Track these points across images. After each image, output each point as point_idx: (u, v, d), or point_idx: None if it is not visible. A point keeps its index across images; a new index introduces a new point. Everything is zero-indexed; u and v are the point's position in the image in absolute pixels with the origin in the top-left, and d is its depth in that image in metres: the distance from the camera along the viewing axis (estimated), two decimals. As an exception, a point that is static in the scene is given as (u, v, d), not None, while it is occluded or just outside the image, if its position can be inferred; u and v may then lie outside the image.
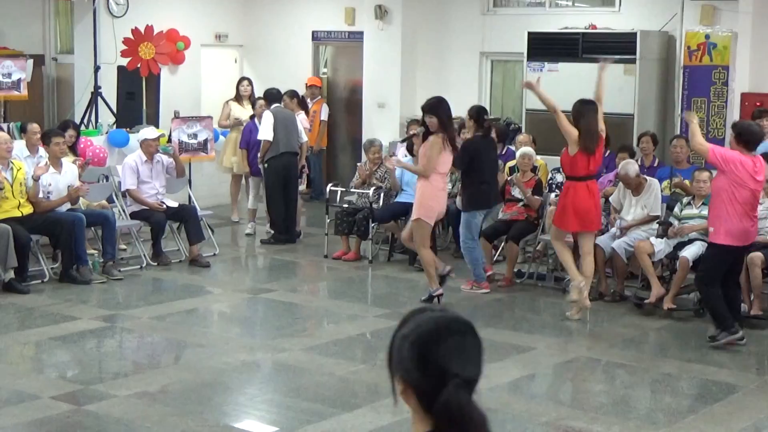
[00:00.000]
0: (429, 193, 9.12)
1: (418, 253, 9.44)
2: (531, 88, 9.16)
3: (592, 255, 9.08)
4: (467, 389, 2.13)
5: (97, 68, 13.47)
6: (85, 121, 13.08)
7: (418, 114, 13.49)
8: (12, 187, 9.78)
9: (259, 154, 12.05)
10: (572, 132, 8.71)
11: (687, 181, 10.07)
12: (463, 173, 9.78)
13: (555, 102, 8.86)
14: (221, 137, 13.69)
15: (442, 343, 2.15)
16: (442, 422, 2.10)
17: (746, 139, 7.93)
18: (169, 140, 12.24)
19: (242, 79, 14.15)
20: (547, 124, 10.28)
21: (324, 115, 15.13)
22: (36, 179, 9.83)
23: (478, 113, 9.84)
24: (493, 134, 10.25)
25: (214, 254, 11.43)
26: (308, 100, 14.84)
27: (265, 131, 11.82)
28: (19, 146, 10.67)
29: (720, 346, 8.09)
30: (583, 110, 8.79)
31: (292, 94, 13.08)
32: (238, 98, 13.77)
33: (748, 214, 7.93)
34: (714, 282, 8.11)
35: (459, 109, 11.02)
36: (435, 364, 2.13)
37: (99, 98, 13.26)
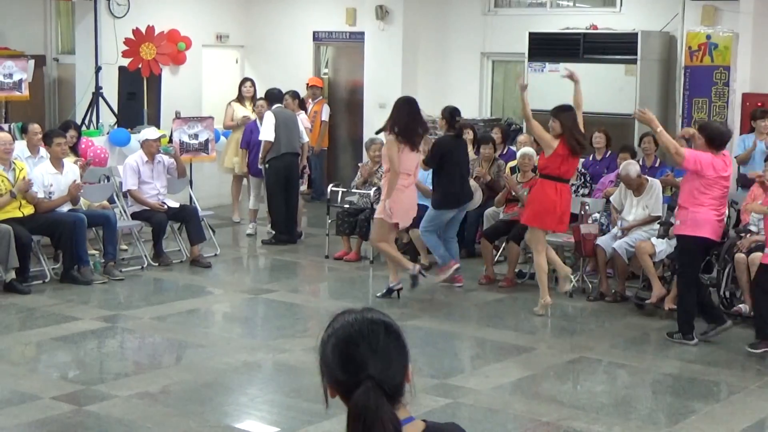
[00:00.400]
0: (396, 194, 9.28)
1: (376, 248, 9.54)
2: (522, 90, 9.30)
3: (545, 253, 9.24)
4: (381, 391, 2.14)
5: (98, 69, 13.48)
6: (86, 121, 13.09)
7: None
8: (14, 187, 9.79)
9: (260, 155, 12.05)
10: (546, 136, 8.92)
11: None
12: (434, 172, 9.91)
13: (530, 110, 9.14)
14: (222, 138, 13.70)
15: (361, 344, 2.18)
16: (352, 423, 2.13)
17: (718, 143, 8.14)
18: (170, 141, 12.25)
19: (245, 79, 14.14)
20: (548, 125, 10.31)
21: (325, 116, 15.13)
22: (26, 190, 9.80)
23: (450, 114, 9.97)
24: (468, 135, 10.66)
25: (216, 255, 11.43)
26: (309, 101, 14.84)
27: (267, 132, 11.82)
28: (21, 147, 10.68)
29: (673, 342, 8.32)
30: (567, 115, 8.94)
31: (294, 94, 13.08)
32: (240, 99, 13.77)
33: (718, 210, 8.20)
34: (694, 279, 8.34)
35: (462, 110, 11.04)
36: (354, 365, 2.17)
37: (100, 98, 13.26)
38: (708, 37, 12.28)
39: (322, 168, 15.47)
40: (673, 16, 12.78)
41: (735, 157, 11.00)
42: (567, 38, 13.04)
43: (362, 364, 2.16)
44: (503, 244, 10.67)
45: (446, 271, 9.84)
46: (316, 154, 14.85)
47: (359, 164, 12.27)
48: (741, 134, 11.49)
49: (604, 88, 12.65)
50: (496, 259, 10.76)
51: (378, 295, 9.58)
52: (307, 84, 15.20)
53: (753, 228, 9.09)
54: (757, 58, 12.07)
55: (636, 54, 12.48)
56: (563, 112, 8.97)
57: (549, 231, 9.27)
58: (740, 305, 8.92)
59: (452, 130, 9.92)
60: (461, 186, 9.95)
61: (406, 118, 9.30)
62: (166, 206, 10.97)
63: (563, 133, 8.88)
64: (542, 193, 9.01)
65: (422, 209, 10.97)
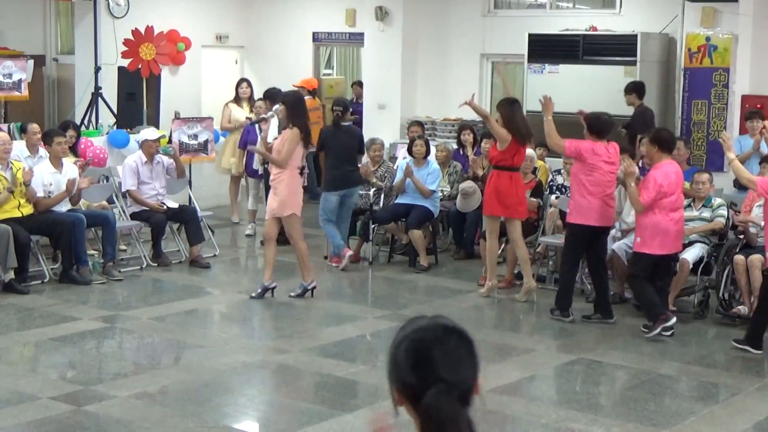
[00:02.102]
0: (294, 186, 9.45)
1: (296, 246, 9.58)
2: (471, 105, 9.67)
3: (522, 241, 9.68)
4: (452, 394, 2.13)
5: (97, 69, 13.48)
6: (86, 121, 13.09)
7: (419, 115, 13.56)
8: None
9: (257, 157, 12.03)
10: (502, 132, 9.39)
11: (687, 184, 10.07)
12: (317, 158, 11.40)
13: (485, 111, 9.76)
14: (221, 138, 13.70)
15: (434, 347, 2.16)
16: (425, 427, 2.10)
17: (597, 129, 8.79)
18: (170, 141, 12.24)
19: (241, 80, 14.13)
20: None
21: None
22: (27, 184, 9.81)
23: (336, 104, 11.36)
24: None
25: (215, 255, 11.43)
26: None
27: (273, 134, 11.79)
28: (20, 147, 10.68)
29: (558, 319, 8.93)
30: (514, 108, 9.55)
31: None
32: (237, 100, 13.76)
33: (602, 196, 8.72)
34: (576, 262, 9.03)
35: (461, 111, 11.06)
36: (426, 367, 2.14)
37: (99, 99, 13.26)
38: (707, 38, 12.28)
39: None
40: (673, 17, 12.78)
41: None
42: (566, 40, 13.05)
43: (434, 366, 2.14)
44: (502, 245, 10.66)
45: (342, 261, 10.75)
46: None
47: (359, 165, 12.26)
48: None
49: (603, 90, 12.65)
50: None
51: (292, 294, 9.59)
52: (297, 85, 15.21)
53: (753, 229, 9.10)
54: (756, 59, 12.07)
55: (635, 56, 12.48)
56: (509, 105, 9.56)
57: (502, 218, 9.70)
58: (739, 307, 8.92)
59: (342, 120, 11.13)
60: (343, 171, 10.90)
61: (304, 117, 9.50)
62: (165, 207, 10.97)
63: (509, 123, 9.38)
64: (500, 183, 9.48)
65: (420, 209, 10.96)
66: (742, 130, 11.66)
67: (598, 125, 8.82)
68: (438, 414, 2.09)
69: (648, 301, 8.55)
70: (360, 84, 15.67)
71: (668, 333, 8.40)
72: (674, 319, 8.46)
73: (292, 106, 9.42)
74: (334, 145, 10.97)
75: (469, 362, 2.21)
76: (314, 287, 9.66)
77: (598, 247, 8.96)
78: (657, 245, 8.45)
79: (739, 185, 11.05)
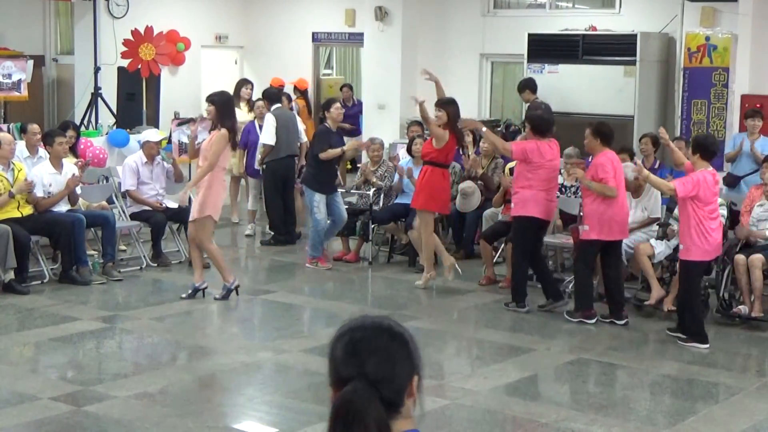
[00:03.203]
0: (217, 188, 9.32)
1: (206, 249, 9.45)
2: (420, 106, 9.78)
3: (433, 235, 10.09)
4: (371, 391, 2.13)
5: (97, 69, 13.49)
6: (85, 121, 13.10)
7: (419, 115, 13.56)
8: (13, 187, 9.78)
9: (258, 156, 12.05)
10: (440, 132, 9.65)
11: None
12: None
13: (429, 114, 9.76)
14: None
15: (363, 342, 2.21)
16: (333, 421, 2.16)
17: (541, 129, 9.15)
18: (170, 141, 12.24)
19: (245, 81, 14.13)
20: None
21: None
22: (28, 202, 9.80)
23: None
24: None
25: (214, 255, 11.42)
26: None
27: (268, 135, 11.81)
28: (19, 147, 10.67)
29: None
30: (455, 109, 9.79)
31: (287, 95, 13.09)
32: (237, 100, 13.75)
33: (547, 191, 9.10)
34: (526, 254, 9.22)
35: (462, 111, 11.04)
36: (353, 361, 2.19)
37: (99, 99, 13.28)
38: (707, 38, 12.29)
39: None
40: (672, 17, 12.79)
41: (725, 155, 11.11)
42: (566, 39, 13.05)
43: (362, 362, 2.15)
44: (502, 245, 10.66)
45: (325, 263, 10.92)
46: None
47: (359, 165, 12.28)
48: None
49: (603, 90, 12.67)
50: (495, 260, 10.75)
51: (216, 296, 9.52)
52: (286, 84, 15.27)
53: (753, 229, 9.09)
54: (755, 59, 12.08)
55: (635, 55, 12.49)
56: (450, 105, 9.79)
57: (437, 213, 10.09)
58: (740, 307, 8.91)
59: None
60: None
61: (233, 118, 9.44)
62: (165, 206, 10.96)
63: (449, 123, 9.63)
64: (434, 179, 9.78)
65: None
66: (742, 130, 11.67)
67: (541, 125, 9.19)
68: (347, 406, 2.11)
69: (584, 291, 8.91)
70: (350, 87, 15.58)
71: (591, 321, 8.83)
72: (596, 318, 8.82)
73: (222, 106, 9.30)
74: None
75: (404, 363, 2.19)
76: (238, 286, 9.56)
77: (537, 239, 9.39)
78: (606, 231, 8.72)
79: (729, 183, 11.11)
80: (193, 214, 9.27)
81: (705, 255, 8.20)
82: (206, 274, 10.11)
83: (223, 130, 9.14)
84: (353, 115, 15.26)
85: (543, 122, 9.27)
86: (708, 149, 8.27)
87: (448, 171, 10.05)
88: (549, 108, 11.90)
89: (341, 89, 15.67)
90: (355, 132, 14.99)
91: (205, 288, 9.57)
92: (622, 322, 8.78)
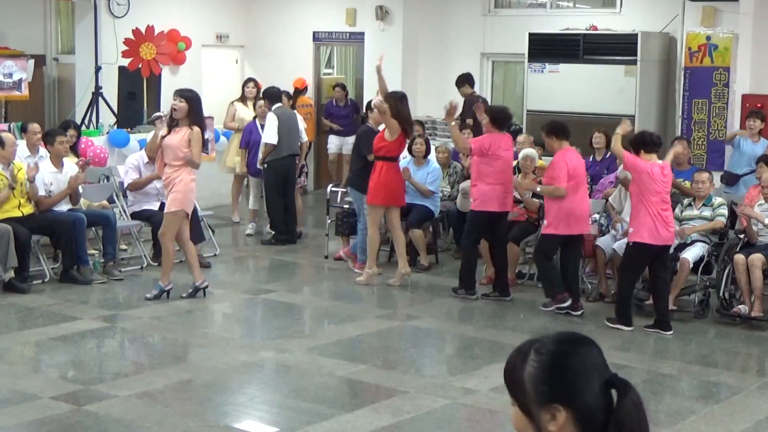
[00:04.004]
0: (191, 185, 9.30)
1: (164, 246, 9.48)
2: (378, 69, 10.11)
3: (401, 230, 10.25)
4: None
5: (98, 68, 13.48)
6: (86, 121, 13.09)
7: (419, 115, 13.56)
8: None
9: (260, 156, 12.05)
10: (394, 122, 9.80)
11: (687, 183, 10.08)
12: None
13: (385, 86, 10.10)
14: (222, 137, 13.70)
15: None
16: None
17: (499, 122, 9.43)
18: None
19: (249, 80, 14.13)
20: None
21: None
22: (31, 180, 9.82)
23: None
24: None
25: (215, 255, 11.43)
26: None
27: (270, 135, 11.80)
28: (20, 146, 10.67)
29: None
30: (403, 102, 9.98)
31: (287, 94, 13.07)
32: (243, 99, 13.78)
33: (503, 183, 9.37)
34: (476, 243, 9.66)
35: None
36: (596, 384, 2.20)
37: (100, 98, 13.26)
38: (708, 38, 12.28)
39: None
40: (673, 17, 12.79)
41: (726, 137, 11.44)
42: (567, 39, 13.05)
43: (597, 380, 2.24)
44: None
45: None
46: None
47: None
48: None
49: (604, 89, 12.66)
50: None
51: (148, 296, 9.45)
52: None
53: (755, 226, 9.09)
54: (756, 59, 12.08)
55: (636, 55, 12.48)
56: (399, 98, 10.00)
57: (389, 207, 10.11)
58: (740, 306, 8.92)
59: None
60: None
61: (203, 116, 9.49)
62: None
63: (399, 115, 9.79)
64: (389, 174, 9.97)
65: (421, 208, 10.96)
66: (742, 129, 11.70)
67: (500, 117, 9.47)
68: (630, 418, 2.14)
69: (549, 281, 9.15)
70: (342, 87, 15.52)
71: (565, 304, 9.00)
72: (569, 302, 9.01)
73: (196, 103, 9.33)
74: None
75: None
76: (206, 286, 9.56)
77: (498, 230, 9.58)
78: (563, 226, 8.90)
79: (726, 181, 11.12)
80: (168, 208, 9.29)
81: (653, 239, 8.45)
82: (205, 274, 10.14)
83: (197, 129, 9.16)
84: (346, 115, 15.27)
85: (504, 115, 9.58)
86: (646, 142, 8.67)
87: (397, 163, 10.20)
88: (487, 101, 12.53)
89: (334, 89, 15.61)
90: (344, 132, 15.03)
91: (206, 287, 9.57)
92: (578, 313, 9.01)
